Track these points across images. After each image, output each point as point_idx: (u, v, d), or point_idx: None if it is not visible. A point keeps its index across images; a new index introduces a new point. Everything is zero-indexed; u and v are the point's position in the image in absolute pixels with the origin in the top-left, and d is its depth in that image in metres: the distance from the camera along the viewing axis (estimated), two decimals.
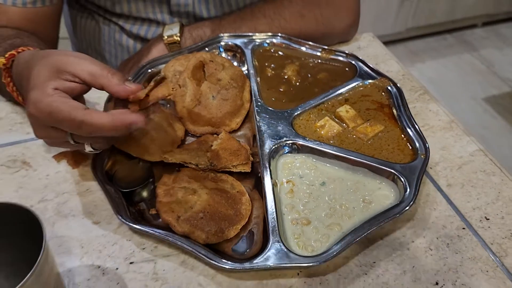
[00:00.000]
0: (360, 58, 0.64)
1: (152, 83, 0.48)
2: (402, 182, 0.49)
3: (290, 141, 0.53)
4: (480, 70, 2.16)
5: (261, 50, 0.67)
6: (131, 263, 0.45)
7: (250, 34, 0.67)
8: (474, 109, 1.94)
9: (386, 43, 2.19)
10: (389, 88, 0.61)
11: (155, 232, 0.45)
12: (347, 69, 0.65)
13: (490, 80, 2.10)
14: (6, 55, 0.51)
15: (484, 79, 2.11)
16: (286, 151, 0.53)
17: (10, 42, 0.55)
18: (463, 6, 2.22)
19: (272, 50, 0.67)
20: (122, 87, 0.45)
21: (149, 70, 0.62)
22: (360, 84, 0.61)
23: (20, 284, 0.29)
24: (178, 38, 0.67)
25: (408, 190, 0.48)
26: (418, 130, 0.55)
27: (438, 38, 2.33)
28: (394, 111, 0.58)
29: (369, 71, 0.63)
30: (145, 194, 0.51)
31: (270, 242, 0.44)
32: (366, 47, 0.73)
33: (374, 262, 0.45)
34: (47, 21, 0.67)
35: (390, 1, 2.03)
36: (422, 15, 2.16)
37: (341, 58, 0.65)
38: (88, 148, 0.47)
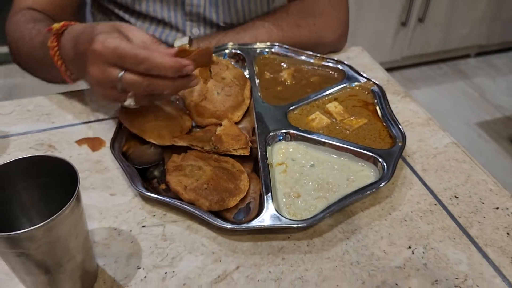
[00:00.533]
0: (348, 64, 0.72)
1: (195, 51, 0.53)
2: (381, 164, 0.56)
3: (284, 131, 0.61)
4: (473, 97, 2.25)
5: (261, 58, 0.75)
6: (143, 226, 0.51)
7: (252, 43, 0.75)
8: (467, 133, 2.02)
9: None
10: (373, 89, 0.68)
11: (165, 199, 0.52)
12: (336, 73, 0.73)
13: (483, 106, 2.19)
14: (61, 23, 0.58)
15: (477, 105, 2.19)
16: (281, 139, 0.61)
17: (49, 23, 0.64)
18: (456, 37, 2.33)
19: (270, 58, 0.75)
20: (173, 59, 0.50)
21: None
22: (348, 85, 0.69)
23: (60, 212, 0.36)
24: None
25: (386, 170, 0.55)
26: (398, 123, 0.62)
27: (433, 67, 2.44)
28: (377, 108, 0.66)
29: (356, 75, 0.71)
30: (156, 173, 0.58)
31: (265, 209, 0.50)
32: (355, 58, 0.81)
33: (356, 230, 0.52)
34: (68, 7, 0.75)
35: (386, 30, 2.15)
36: (417, 44, 2.27)
37: (331, 64, 0.74)
38: (128, 102, 0.53)
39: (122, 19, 0.82)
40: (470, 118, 2.11)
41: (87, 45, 0.51)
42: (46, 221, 0.35)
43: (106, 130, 0.63)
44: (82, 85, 0.64)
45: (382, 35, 2.16)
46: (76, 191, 0.38)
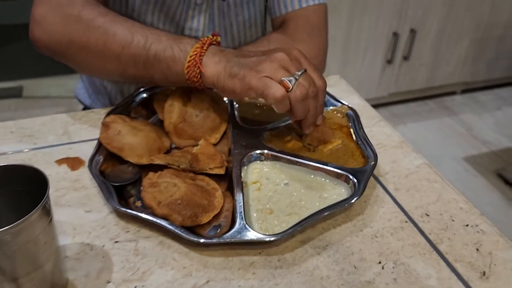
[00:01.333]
0: None
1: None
2: (352, 181, 0.57)
3: (259, 151, 0.62)
4: (460, 133, 2.28)
5: None
6: (116, 242, 0.52)
7: None
8: (455, 168, 2.05)
9: None
10: (348, 113, 0.71)
11: (137, 213, 0.52)
12: None
13: (469, 142, 2.22)
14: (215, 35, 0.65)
15: (464, 141, 2.23)
16: (256, 159, 0.62)
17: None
18: (441, 74, 2.40)
19: None
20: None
21: (145, 95, 0.73)
22: (324, 109, 0.71)
23: (28, 215, 0.37)
24: None
25: (357, 187, 0.56)
26: (370, 144, 0.64)
27: (420, 103, 2.49)
28: (351, 130, 0.68)
29: (332, 100, 0.73)
30: (133, 191, 0.59)
31: (237, 223, 0.51)
32: (333, 85, 0.84)
33: (327, 245, 0.52)
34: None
35: (373, 67, 2.21)
36: (403, 81, 2.33)
37: None
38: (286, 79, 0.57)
39: None
40: (457, 153, 2.13)
41: (270, 51, 0.61)
42: (13, 224, 0.36)
43: (86, 151, 0.64)
44: (65, 108, 0.66)
45: (369, 72, 2.22)
46: (45, 196, 0.39)
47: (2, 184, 0.42)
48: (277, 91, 0.56)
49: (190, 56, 0.61)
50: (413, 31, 2.15)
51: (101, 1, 0.74)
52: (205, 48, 0.62)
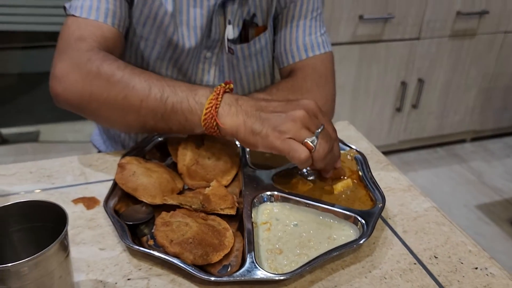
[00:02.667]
0: None
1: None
2: (361, 223, 0.58)
3: (269, 193, 0.64)
4: (471, 181, 2.28)
5: None
6: (128, 279, 0.53)
7: None
8: (467, 216, 2.02)
9: None
10: (356, 157, 0.73)
11: (150, 251, 0.54)
12: None
13: (480, 189, 2.21)
14: (228, 83, 0.67)
15: (475, 188, 2.22)
16: (266, 200, 0.64)
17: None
18: (450, 123, 2.42)
19: None
20: None
21: (160, 138, 0.76)
22: None
23: (46, 248, 0.38)
24: None
25: (365, 228, 0.57)
26: (378, 187, 0.65)
27: (430, 151, 2.50)
28: (360, 174, 0.69)
29: (341, 144, 0.75)
30: (146, 230, 0.60)
31: (247, 262, 0.52)
32: (342, 130, 0.87)
33: (335, 286, 0.53)
34: (122, 45, 0.81)
35: (382, 115, 2.24)
36: (412, 129, 2.36)
37: None
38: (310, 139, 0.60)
39: None
40: (469, 201, 2.12)
41: (289, 105, 0.64)
42: (32, 256, 0.38)
43: (101, 191, 0.67)
44: (80, 153, 0.68)
45: (379, 120, 2.25)
46: (64, 231, 0.40)
47: (23, 220, 0.44)
48: (302, 153, 0.60)
49: (206, 109, 0.64)
50: (421, 81, 2.20)
51: (118, 55, 0.79)
52: (219, 99, 0.64)
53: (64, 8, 0.78)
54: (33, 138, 2.52)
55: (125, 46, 0.86)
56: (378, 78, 2.12)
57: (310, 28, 0.92)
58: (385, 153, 2.48)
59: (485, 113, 2.47)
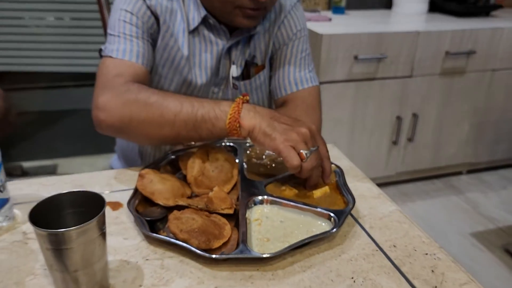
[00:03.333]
0: None
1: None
2: (334, 219, 0.72)
3: (261, 197, 0.78)
4: (466, 210, 2.38)
5: (249, 150, 0.96)
6: (146, 260, 0.67)
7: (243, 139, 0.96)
8: (462, 243, 2.12)
9: (379, 185, 2.48)
10: (335, 170, 0.87)
11: (164, 237, 0.68)
12: None
13: (476, 218, 2.31)
14: (245, 96, 0.83)
15: (470, 218, 2.32)
16: (258, 203, 0.78)
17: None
18: (445, 155, 2.55)
19: (257, 150, 0.96)
20: None
21: (172, 156, 0.91)
22: None
23: (89, 221, 0.53)
24: None
25: (337, 222, 0.71)
26: (350, 192, 0.79)
27: (427, 182, 2.62)
28: (337, 183, 0.84)
29: None
30: (161, 225, 0.75)
31: (240, 245, 0.66)
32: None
33: (311, 265, 0.66)
34: (148, 80, 0.98)
35: (379, 148, 2.39)
36: (409, 161, 2.49)
37: None
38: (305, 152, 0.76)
39: None
40: (464, 229, 2.22)
41: (296, 121, 0.80)
42: (79, 225, 0.53)
43: (124, 197, 0.81)
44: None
45: (376, 153, 2.39)
46: (103, 210, 0.55)
47: (73, 205, 0.59)
48: (295, 160, 0.75)
49: (230, 114, 0.80)
50: (415, 115, 2.35)
51: (147, 83, 0.96)
52: (240, 106, 0.80)
53: (100, 50, 0.96)
54: (51, 171, 2.69)
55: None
56: (374, 113, 2.28)
57: (299, 66, 1.09)
58: (384, 184, 2.61)
59: (479, 146, 2.60)
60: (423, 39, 2.19)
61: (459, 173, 2.71)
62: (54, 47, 2.73)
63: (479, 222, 2.29)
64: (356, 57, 2.11)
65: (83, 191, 0.60)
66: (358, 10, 2.71)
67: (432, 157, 2.53)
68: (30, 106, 3.09)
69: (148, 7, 0.96)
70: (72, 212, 0.59)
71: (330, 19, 2.35)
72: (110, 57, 0.93)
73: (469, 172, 2.72)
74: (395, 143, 2.39)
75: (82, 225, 0.53)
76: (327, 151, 0.83)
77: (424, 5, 2.61)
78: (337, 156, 0.99)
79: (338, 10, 2.52)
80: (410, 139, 2.41)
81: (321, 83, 2.03)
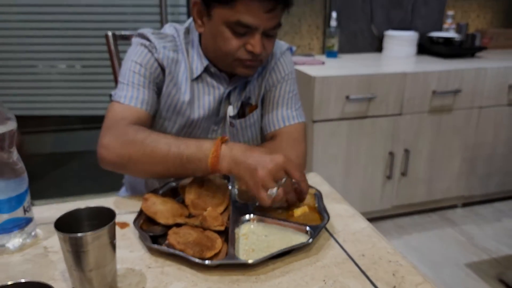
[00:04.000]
0: None
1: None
2: (311, 232, 0.84)
3: (248, 216, 0.90)
4: (461, 242, 2.45)
5: None
6: (149, 267, 0.78)
7: None
8: (456, 273, 2.18)
9: (375, 219, 2.58)
10: (315, 193, 0.99)
11: (164, 248, 0.80)
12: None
13: (470, 250, 2.38)
14: (224, 137, 0.94)
15: (465, 249, 2.39)
16: (246, 221, 0.90)
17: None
18: (439, 189, 2.65)
19: None
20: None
21: (173, 184, 1.04)
22: None
23: (102, 228, 0.65)
24: None
25: (313, 234, 0.83)
26: (326, 211, 0.91)
27: (423, 216, 2.70)
28: (316, 205, 0.96)
29: None
30: (161, 240, 0.86)
31: (229, 253, 0.78)
32: (313, 178, 1.13)
33: (289, 271, 0.77)
34: (151, 123, 1.12)
35: (374, 183, 2.50)
36: (404, 195, 2.59)
37: None
38: (271, 191, 0.87)
39: None
40: (459, 260, 2.28)
41: (265, 154, 0.90)
42: (94, 231, 0.65)
43: (130, 219, 0.94)
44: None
45: (371, 187, 2.50)
46: (113, 220, 0.68)
47: (87, 219, 0.72)
48: (266, 201, 0.88)
49: (210, 158, 0.92)
50: (407, 151, 2.48)
51: (150, 124, 1.11)
52: (219, 149, 0.93)
53: (110, 95, 1.11)
54: None
55: (152, 124, 1.18)
56: (367, 149, 2.41)
57: (287, 104, 1.23)
58: (380, 218, 2.69)
59: (471, 180, 2.70)
60: (410, 79, 2.35)
61: (454, 206, 2.79)
62: (64, 92, 2.92)
63: (474, 253, 2.35)
64: (347, 97, 2.26)
65: (97, 207, 0.73)
66: (350, 53, 2.89)
67: (426, 191, 2.63)
68: (41, 148, 3.25)
69: (156, 60, 1.12)
70: (88, 223, 0.72)
71: (323, 63, 2.52)
72: (118, 102, 1.08)
73: (465, 205, 2.81)
74: (389, 177, 2.50)
75: (96, 231, 0.66)
76: (303, 175, 0.93)
77: (412, 48, 2.80)
78: (318, 183, 1.11)
79: (331, 54, 2.71)
80: (403, 174, 2.52)
81: (315, 121, 2.20)
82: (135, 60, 1.11)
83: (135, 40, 1.15)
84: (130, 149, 0.98)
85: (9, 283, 0.55)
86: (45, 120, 3.16)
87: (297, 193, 0.94)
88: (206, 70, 1.16)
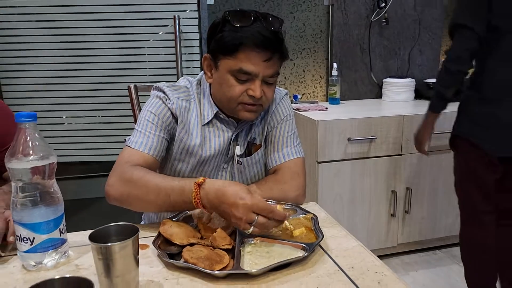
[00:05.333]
0: (301, 207, 1.17)
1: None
2: (307, 249, 0.96)
3: (252, 237, 1.03)
4: None
5: None
6: (166, 279, 0.91)
7: None
8: None
9: (382, 256, 2.65)
10: (312, 218, 1.12)
11: (179, 262, 0.92)
12: (295, 210, 1.17)
13: None
14: (202, 179, 1.05)
15: None
16: (250, 241, 1.03)
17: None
18: (443, 226, 2.73)
19: None
20: (283, 212, 1.01)
21: (188, 212, 1.18)
22: (300, 216, 1.13)
23: (127, 239, 0.79)
24: None
25: (309, 250, 0.95)
26: (321, 232, 1.04)
27: (429, 253, 2.76)
28: (312, 227, 1.08)
29: (303, 212, 1.15)
30: (177, 258, 0.99)
31: (235, 266, 0.90)
32: (312, 206, 1.26)
33: (287, 281, 0.89)
34: (156, 166, 1.27)
35: (379, 221, 2.59)
36: (409, 233, 2.67)
37: (289, 207, 1.19)
38: (251, 230, 0.98)
39: None
40: None
41: (235, 198, 0.98)
42: (120, 242, 0.78)
43: (150, 241, 1.07)
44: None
45: (376, 225, 2.59)
46: (137, 234, 0.81)
47: (114, 234, 0.86)
48: (247, 230, 0.99)
49: (193, 199, 1.06)
50: (408, 189, 2.58)
51: (155, 167, 1.26)
52: (198, 194, 1.05)
53: (125, 140, 1.27)
54: None
55: (167, 165, 1.33)
56: (370, 187, 2.53)
57: (287, 142, 1.38)
58: (387, 255, 2.76)
59: None
60: (407, 121, 2.49)
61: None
62: (86, 140, 3.12)
63: None
64: (349, 139, 2.41)
65: (124, 223, 0.87)
66: (352, 100, 3.07)
67: (431, 228, 2.71)
68: (64, 195, 3.40)
69: (169, 109, 1.29)
70: (116, 238, 0.85)
71: (326, 108, 2.70)
72: (129, 147, 1.24)
73: None
74: (393, 215, 2.59)
75: (122, 242, 0.79)
76: (270, 210, 0.98)
77: (410, 93, 2.97)
78: (317, 210, 1.24)
79: (333, 100, 2.89)
80: (407, 211, 2.62)
81: (319, 162, 2.34)
82: (150, 110, 1.28)
83: (152, 93, 1.33)
84: (129, 187, 1.14)
85: (56, 277, 0.68)
86: (68, 167, 3.32)
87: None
88: (216, 116, 1.32)
